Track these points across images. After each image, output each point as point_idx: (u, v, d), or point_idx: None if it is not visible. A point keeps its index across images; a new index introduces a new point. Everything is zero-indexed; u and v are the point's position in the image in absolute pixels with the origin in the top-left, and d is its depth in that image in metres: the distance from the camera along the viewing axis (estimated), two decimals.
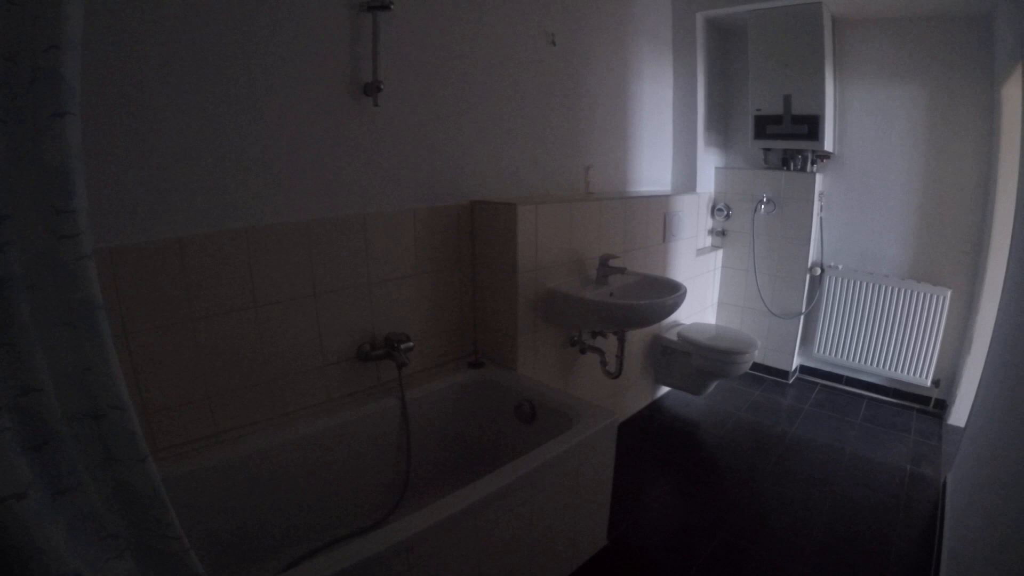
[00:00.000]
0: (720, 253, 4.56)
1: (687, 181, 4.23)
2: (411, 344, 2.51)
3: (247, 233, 2.05)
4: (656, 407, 4.01)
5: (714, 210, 4.49)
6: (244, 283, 2.08)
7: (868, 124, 3.96)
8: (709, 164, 4.40)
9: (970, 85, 3.52)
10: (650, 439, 3.57)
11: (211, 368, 2.04)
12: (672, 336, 3.85)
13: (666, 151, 4.20)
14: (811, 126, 3.85)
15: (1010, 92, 2.97)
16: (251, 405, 2.17)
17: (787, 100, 3.89)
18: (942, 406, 3.91)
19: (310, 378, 2.34)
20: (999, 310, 2.53)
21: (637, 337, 3.67)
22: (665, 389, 4.16)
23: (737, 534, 2.70)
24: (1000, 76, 3.10)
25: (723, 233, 4.51)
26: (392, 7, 2.21)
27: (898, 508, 2.90)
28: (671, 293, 2.93)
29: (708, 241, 4.57)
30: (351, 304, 2.41)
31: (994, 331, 2.62)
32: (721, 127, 4.47)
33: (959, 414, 3.61)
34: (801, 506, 2.91)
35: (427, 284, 2.69)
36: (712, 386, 3.94)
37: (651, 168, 4.04)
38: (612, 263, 3.04)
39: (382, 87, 2.27)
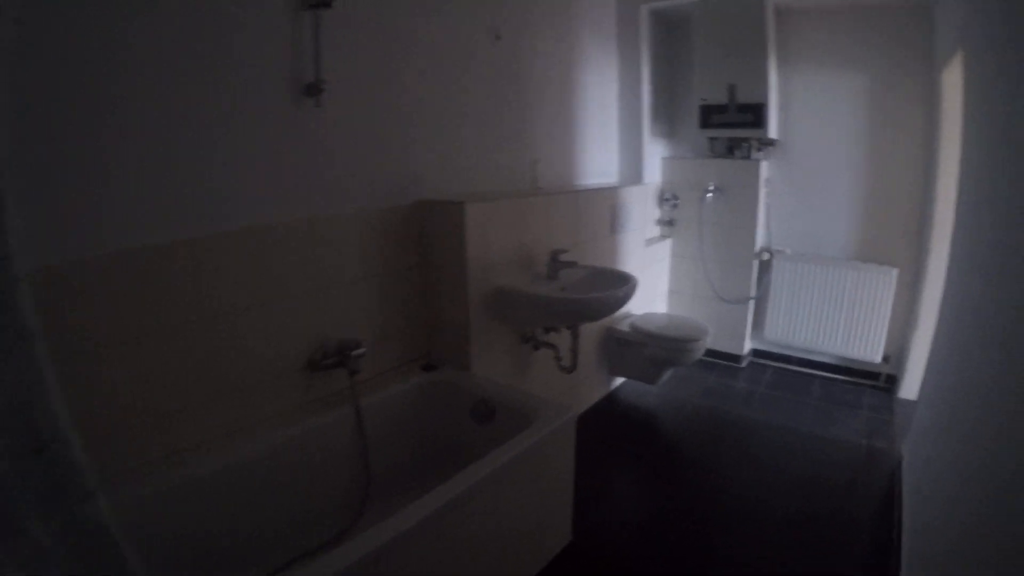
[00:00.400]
0: (669, 242, 4.58)
1: (634, 172, 4.23)
2: (363, 350, 2.42)
3: (189, 244, 1.93)
4: (612, 398, 4.00)
5: (661, 200, 4.51)
6: (189, 296, 1.95)
7: (812, 111, 4.02)
8: (655, 154, 4.41)
9: (911, 72, 3.60)
10: (608, 431, 3.55)
11: (159, 387, 1.91)
12: (625, 327, 3.84)
13: (613, 143, 4.19)
14: (756, 114, 3.89)
15: (950, 78, 3.01)
16: (202, 423, 2.05)
17: (732, 89, 3.92)
18: (892, 381, 3.99)
19: (261, 392, 2.22)
20: (945, 285, 2.58)
21: (590, 330, 3.65)
22: (620, 380, 4.15)
23: (700, 520, 2.69)
24: (940, 63, 3.16)
25: (671, 223, 4.54)
26: (333, 5, 2.12)
27: (856, 483, 2.95)
28: (622, 285, 2.91)
29: (657, 231, 4.59)
30: (300, 312, 2.31)
31: (941, 305, 2.68)
32: (667, 117, 4.48)
33: (910, 387, 3.71)
34: (762, 488, 2.92)
35: (377, 287, 2.61)
36: (667, 374, 3.95)
37: (598, 160, 4.02)
38: (562, 257, 3.00)
39: (324, 87, 2.17)
